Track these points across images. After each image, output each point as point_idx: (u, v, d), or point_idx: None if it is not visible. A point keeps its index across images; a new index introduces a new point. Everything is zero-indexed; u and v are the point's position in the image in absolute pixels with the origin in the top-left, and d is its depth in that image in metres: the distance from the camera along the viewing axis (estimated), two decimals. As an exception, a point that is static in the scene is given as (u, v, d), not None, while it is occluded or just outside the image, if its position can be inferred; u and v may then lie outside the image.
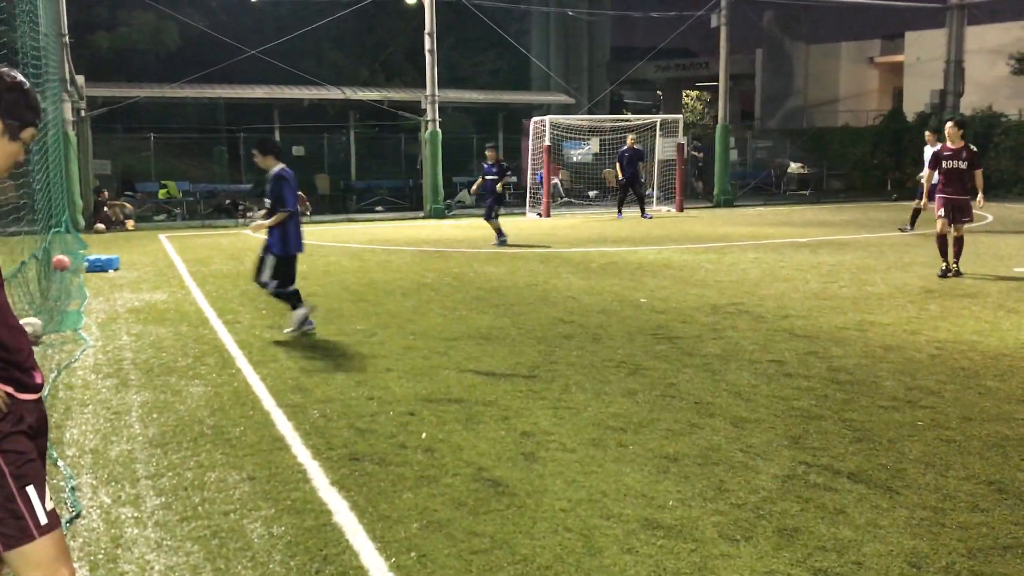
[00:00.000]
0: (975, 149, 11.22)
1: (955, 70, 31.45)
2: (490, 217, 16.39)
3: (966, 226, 11.28)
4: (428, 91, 24.42)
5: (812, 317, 8.56)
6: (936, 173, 11.41)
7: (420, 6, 24.31)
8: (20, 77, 2.51)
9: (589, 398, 5.86)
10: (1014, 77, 32.95)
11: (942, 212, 11.10)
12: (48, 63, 16.89)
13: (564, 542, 3.73)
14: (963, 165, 10.99)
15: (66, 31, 19.44)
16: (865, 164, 33.84)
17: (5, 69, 2.50)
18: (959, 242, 11.17)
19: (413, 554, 3.64)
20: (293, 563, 3.57)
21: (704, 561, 3.53)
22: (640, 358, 6.96)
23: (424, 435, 5.13)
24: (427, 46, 24.17)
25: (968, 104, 31.50)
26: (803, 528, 3.81)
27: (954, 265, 11.12)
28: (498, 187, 16.27)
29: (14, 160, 2.50)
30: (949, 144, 11.14)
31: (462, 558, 3.59)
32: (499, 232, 16.34)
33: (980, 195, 11.20)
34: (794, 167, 35.70)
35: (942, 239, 11.18)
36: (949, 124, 11.32)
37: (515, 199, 29.17)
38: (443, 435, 5.13)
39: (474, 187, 17.36)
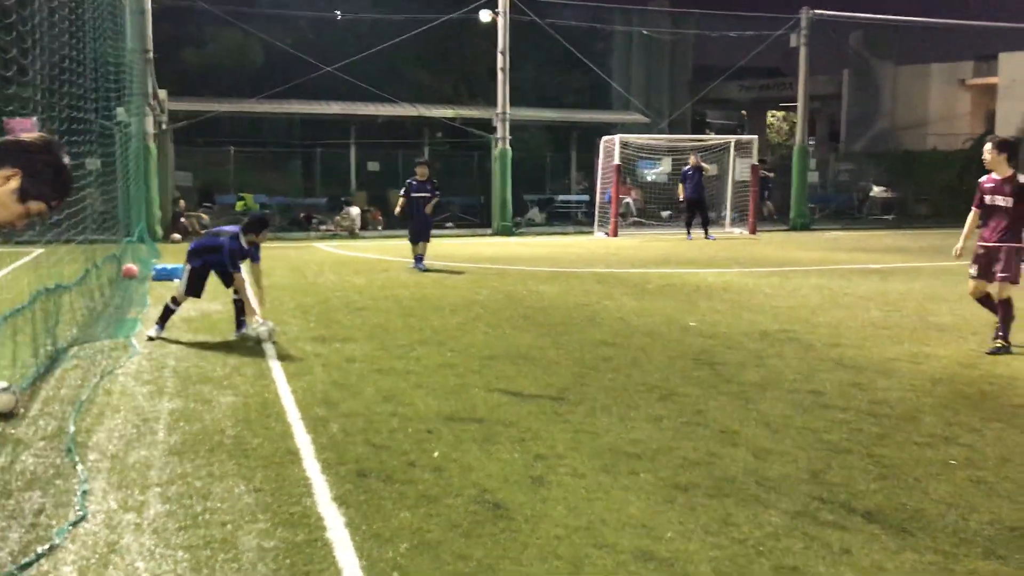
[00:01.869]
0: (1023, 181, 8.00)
1: (1051, 93, 30.21)
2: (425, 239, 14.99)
3: (1012, 287, 8.06)
4: (499, 109, 24.57)
5: (864, 347, 8.25)
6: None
7: (494, 24, 24.52)
8: (65, 159, 2.58)
9: (612, 422, 5.75)
10: (1115, 100, 31.49)
11: (974, 270, 8.25)
12: (132, 77, 17.59)
13: (551, 570, 3.64)
14: (1006, 202, 7.99)
15: (151, 47, 20.20)
16: (953, 189, 32.70)
17: (58, 143, 2.59)
18: (1006, 307, 8.09)
19: (396, 574, 3.60)
20: (275, 577, 3.57)
21: (689, 598, 3.40)
22: (675, 383, 6.81)
23: (436, 454, 5.10)
24: (499, 64, 24.35)
25: (1065, 128, 30.23)
26: (802, 568, 3.64)
27: (998, 339, 8.07)
28: (428, 208, 14.72)
29: (11, 222, 2.56)
30: (995, 175, 8.12)
31: (443, 581, 3.54)
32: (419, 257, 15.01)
33: None
34: (877, 190, 34.74)
35: (983, 300, 8.34)
36: (988, 147, 8.13)
37: (585, 218, 29.05)
38: (456, 454, 5.09)
39: (398, 208, 15.26)
